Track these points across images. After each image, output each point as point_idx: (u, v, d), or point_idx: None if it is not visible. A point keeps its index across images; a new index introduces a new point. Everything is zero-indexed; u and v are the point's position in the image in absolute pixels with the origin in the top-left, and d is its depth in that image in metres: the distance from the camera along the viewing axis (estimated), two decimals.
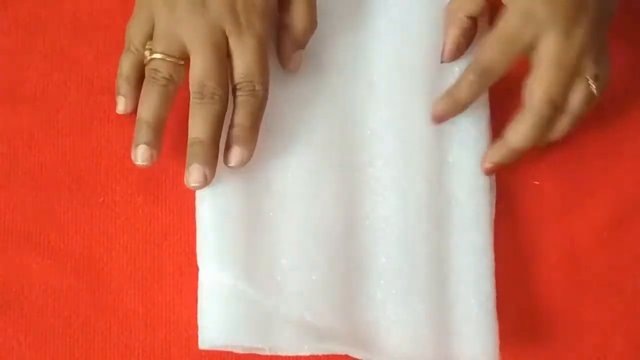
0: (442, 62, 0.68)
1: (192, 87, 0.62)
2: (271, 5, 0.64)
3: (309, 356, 0.63)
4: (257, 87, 0.62)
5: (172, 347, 0.65)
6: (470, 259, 0.66)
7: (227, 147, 0.62)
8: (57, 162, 0.67)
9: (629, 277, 0.69)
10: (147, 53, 0.63)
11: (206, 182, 0.62)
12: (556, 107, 0.65)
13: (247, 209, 0.63)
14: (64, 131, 0.67)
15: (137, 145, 0.62)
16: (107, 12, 0.69)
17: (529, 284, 0.68)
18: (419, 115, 0.67)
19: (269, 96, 0.63)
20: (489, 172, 0.67)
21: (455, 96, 0.66)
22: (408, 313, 0.64)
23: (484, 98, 0.69)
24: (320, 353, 0.63)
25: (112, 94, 0.67)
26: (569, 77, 0.65)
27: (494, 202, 0.68)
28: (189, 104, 0.62)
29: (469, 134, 0.68)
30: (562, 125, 0.67)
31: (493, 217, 0.67)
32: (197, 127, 0.62)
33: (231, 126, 0.62)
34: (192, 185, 0.62)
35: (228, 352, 0.63)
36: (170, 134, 0.66)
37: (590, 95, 0.66)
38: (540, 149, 0.68)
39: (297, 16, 0.64)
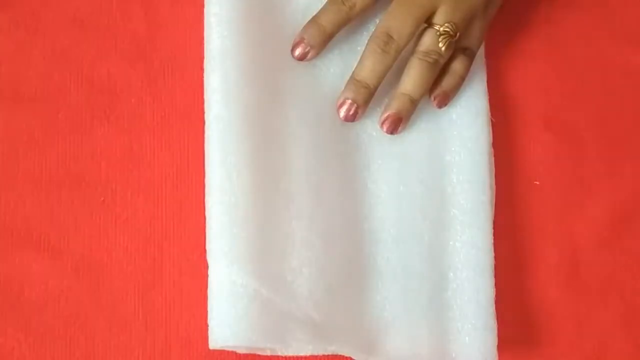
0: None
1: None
2: None
3: (309, 356, 0.63)
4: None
5: (172, 347, 0.65)
6: (470, 259, 0.66)
7: None
8: (57, 162, 0.67)
9: (629, 277, 0.69)
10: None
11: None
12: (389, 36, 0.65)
13: (256, 206, 0.63)
14: (64, 131, 0.67)
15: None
16: (107, 12, 0.69)
17: (529, 284, 0.69)
18: (415, 115, 0.67)
19: (274, 100, 0.64)
20: (388, 126, 0.67)
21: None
22: (406, 314, 0.64)
23: (483, 96, 0.69)
24: (321, 353, 0.63)
25: (112, 94, 0.67)
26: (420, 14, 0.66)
27: (494, 201, 0.67)
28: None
29: (467, 133, 0.68)
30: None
31: (493, 216, 0.67)
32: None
33: None
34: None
35: (228, 352, 0.64)
36: (169, 136, 0.66)
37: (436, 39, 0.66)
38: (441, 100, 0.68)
39: None
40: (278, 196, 0.64)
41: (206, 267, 0.62)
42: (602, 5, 0.74)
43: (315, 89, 0.67)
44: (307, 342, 0.62)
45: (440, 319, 0.65)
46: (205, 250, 0.63)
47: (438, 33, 0.66)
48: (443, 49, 0.66)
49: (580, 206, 0.70)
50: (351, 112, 0.66)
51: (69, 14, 0.69)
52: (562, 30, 0.73)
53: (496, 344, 0.64)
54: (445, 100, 0.67)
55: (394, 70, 0.66)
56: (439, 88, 0.67)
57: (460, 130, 0.68)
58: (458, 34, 0.66)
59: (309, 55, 0.66)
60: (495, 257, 0.66)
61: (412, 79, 0.66)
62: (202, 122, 0.65)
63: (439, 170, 0.67)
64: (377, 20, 0.68)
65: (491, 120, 0.69)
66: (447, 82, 0.67)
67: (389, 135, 0.67)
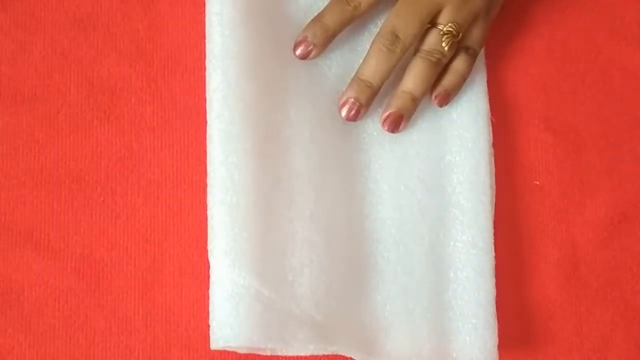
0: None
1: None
2: None
3: (310, 356, 0.63)
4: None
5: (172, 347, 0.65)
6: (470, 258, 0.66)
7: None
8: (57, 162, 0.67)
9: (629, 277, 0.69)
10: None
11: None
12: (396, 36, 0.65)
13: (257, 206, 0.63)
14: (64, 131, 0.67)
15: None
16: (107, 12, 0.69)
17: (529, 284, 0.69)
18: (416, 116, 0.67)
19: (275, 99, 0.64)
20: (390, 124, 0.67)
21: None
22: (407, 314, 0.64)
23: (483, 96, 0.69)
24: (322, 353, 0.63)
25: (112, 94, 0.67)
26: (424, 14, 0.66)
27: (494, 201, 0.68)
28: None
29: (467, 133, 0.68)
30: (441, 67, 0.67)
31: (493, 216, 0.67)
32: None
33: None
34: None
35: (228, 352, 0.64)
36: (169, 136, 0.66)
37: (441, 39, 0.66)
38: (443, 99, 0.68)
39: None
40: (279, 196, 0.64)
41: (206, 266, 0.63)
42: (602, 5, 0.74)
43: (317, 88, 0.67)
44: (307, 342, 0.62)
45: (441, 319, 0.65)
46: (205, 250, 0.63)
47: (441, 33, 0.66)
48: (446, 48, 0.66)
49: (580, 206, 0.70)
50: (353, 112, 0.66)
51: (69, 14, 0.69)
52: (562, 31, 0.73)
53: (496, 343, 0.64)
54: (446, 99, 0.67)
55: (395, 69, 0.66)
56: (441, 87, 0.67)
57: (461, 131, 0.68)
58: (461, 34, 0.66)
59: (312, 54, 0.66)
60: (495, 257, 0.66)
61: (414, 78, 0.66)
62: (202, 121, 0.65)
63: (439, 170, 0.67)
64: (379, 21, 0.68)
65: (491, 120, 0.69)
66: (449, 81, 0.67)
67: (390, 135, 0.67)
